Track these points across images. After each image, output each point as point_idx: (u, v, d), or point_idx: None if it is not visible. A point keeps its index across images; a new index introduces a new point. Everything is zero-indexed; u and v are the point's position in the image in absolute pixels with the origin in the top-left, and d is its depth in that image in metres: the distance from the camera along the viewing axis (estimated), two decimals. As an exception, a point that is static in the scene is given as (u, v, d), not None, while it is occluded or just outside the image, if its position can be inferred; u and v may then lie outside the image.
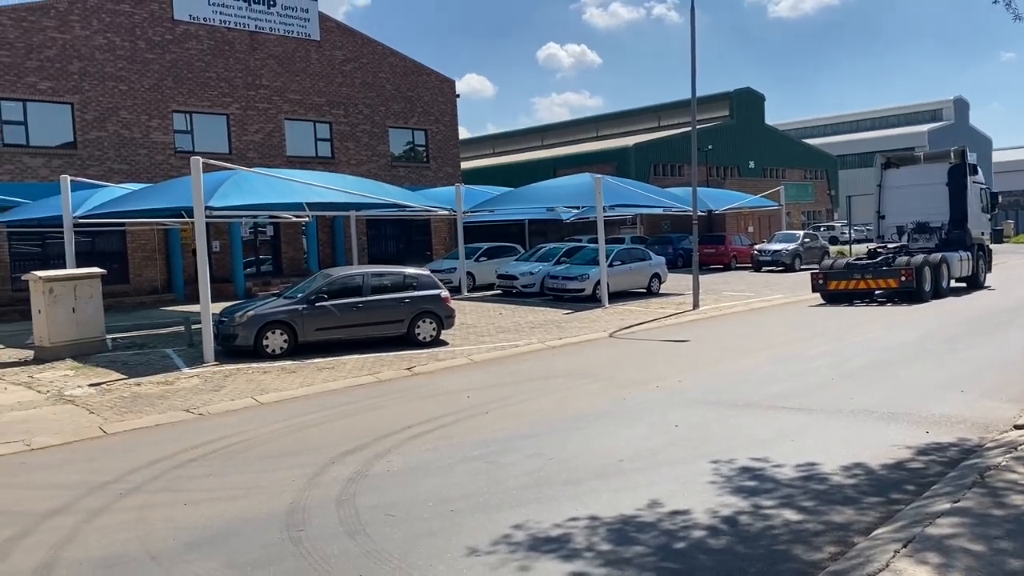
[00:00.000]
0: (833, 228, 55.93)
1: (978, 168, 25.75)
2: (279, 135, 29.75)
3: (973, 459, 7.10)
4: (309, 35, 30.27)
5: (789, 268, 34.12)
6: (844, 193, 63.13)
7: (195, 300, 24.22)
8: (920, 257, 21.81)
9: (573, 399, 10.96)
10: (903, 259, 21.77)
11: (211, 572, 5.52)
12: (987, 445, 7.60)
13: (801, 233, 37.57)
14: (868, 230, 57.63)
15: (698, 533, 5.89)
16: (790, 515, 6.14)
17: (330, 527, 6.27)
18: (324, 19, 30.97)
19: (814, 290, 22.54)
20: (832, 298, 22.00)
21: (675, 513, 6.28)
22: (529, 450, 8.26)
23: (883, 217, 25.43)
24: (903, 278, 20.96)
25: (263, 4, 29.05)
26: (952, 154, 24.99)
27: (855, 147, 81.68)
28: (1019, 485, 6.09)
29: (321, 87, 30.74)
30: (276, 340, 15.15)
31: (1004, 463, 6.66)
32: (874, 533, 5.55)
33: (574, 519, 6.23)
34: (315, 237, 30.28)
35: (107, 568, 5.67)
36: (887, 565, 4.73)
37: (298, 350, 15.22)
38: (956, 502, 5.77)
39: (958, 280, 23.55)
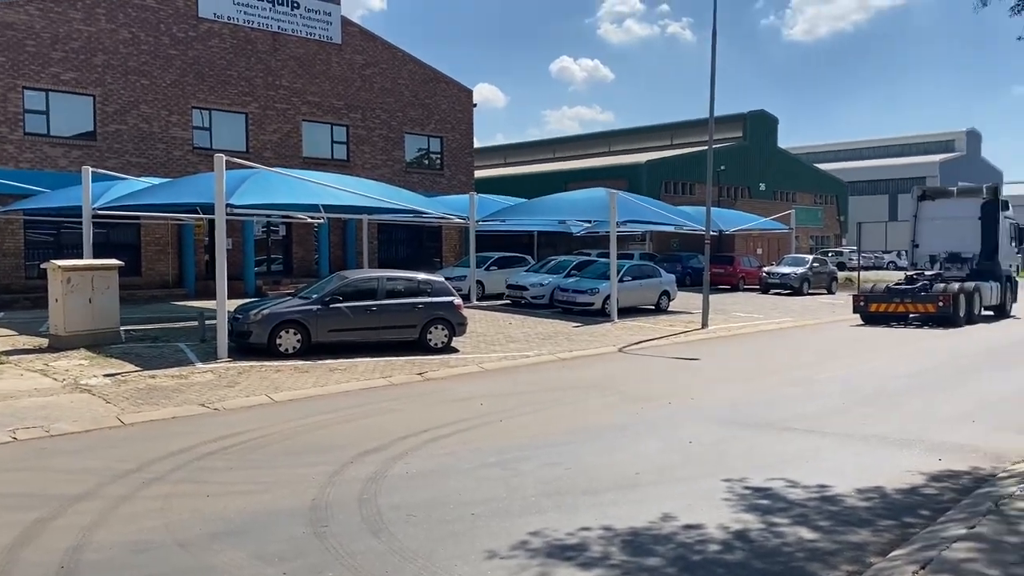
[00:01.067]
0: (841, 254, 55.97)
1: (1009, 204, 27.09)
2: (296, 136, 29.99)
3: (986, 488, 7.19)
4: (331, 38, 30.54)
5: (797, 292, 34.19)
6: (853, 219, 63.26)
7: (205, 296, 24.56)
8: (957, 285, 23.08)
9: (587, 411, 11.06)
10: (941, 286, 23.07)
11: (239, 562, 5.63)
12: (1000, 475, 7.69)
13: (810, 257, 37.68)
14: (876, 257, 57.89)
15: (714, 547, 5.98)
16: (805, 533, 6.23)
17: (353, 524, 6.38)
18: (346, 23, 31.26)
19: (855, 311, 23.72)
20: (871, 319, 23.24)
21: (691, 527, 6.37)
22: (546, 459, 8.36)
23: (917, 246, 26.84)
24: (941, 304, 22.29)
25: (286, 5, 29.34)
26: (985, 190, 26.47)
27: (865, 174, 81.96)
28: (1033, 515, 6.18)
29: (340, 90, 30.99)
30: (289, 339, 15.27)
31: (1018, 492, 6.75)
32: (891, 554, 5.65)
33: (591, 528, 6.33)
34: (327, 239, 30.45)
35: (137, 553, 5.78)
36: (906, 586, 4.82)
37: (310, 350, 15.33)
38: (971, 528, 5.86)
39: (987, 308, 24.69)
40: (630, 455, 8.58)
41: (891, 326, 22.28)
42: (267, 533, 6.18)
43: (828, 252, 55.59)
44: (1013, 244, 27.22)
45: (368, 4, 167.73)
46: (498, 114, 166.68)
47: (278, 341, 15.18)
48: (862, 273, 41.19)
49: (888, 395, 12.18)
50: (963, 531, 5.82)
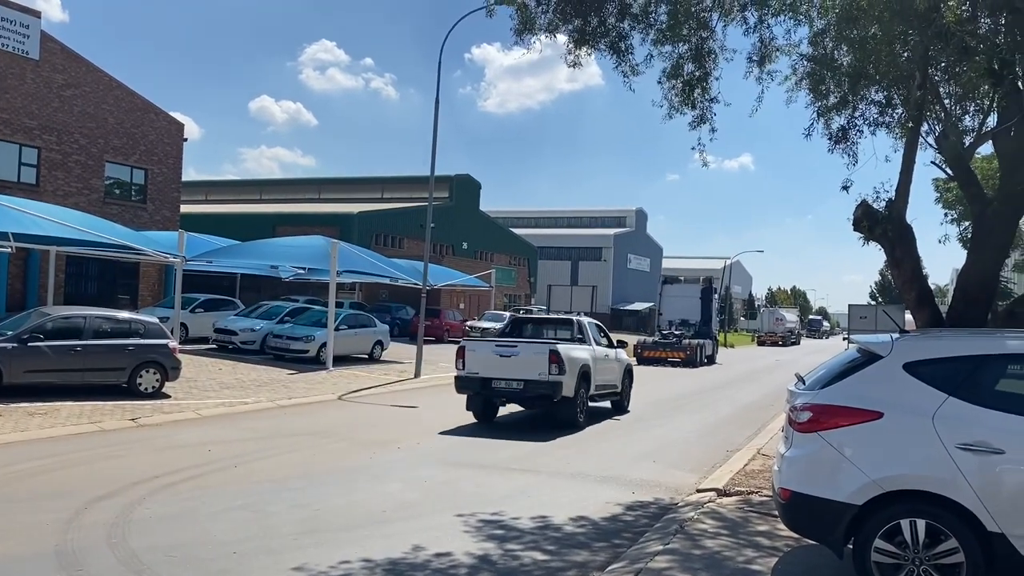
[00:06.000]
0: (531, 312, 60.50)
1: (716, 289, 42.61)
2: (-24, 153, 26.77)
3: (671, 514, 8.74)
4: (27, 52, 27.74)
5: (495, 346, 36.61)
6: (541, 281, 68.83)
7: None
8: (696, 341, 35.53)
9: (321, 456, 11.40)
10: (686, 341, 35.09)
11: (-5, 610, 5.39)
12: (679, 504, 9.34)
13: (508, 314, 40.51)
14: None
15: (464, 571, 6.75)
16: (538, 556, 7.23)
17: (111, 567, 6.28)
18: (47, 39, 28.62)
19: (634, 355, 31.60)
20: (644, 361, 33.39)
21: (441, 555, 7.09)
22: (293, 501, 8.64)
23: (661, 314, 40.96)
24: (687, 352, 34.18)
25: (-24, 10, 26.33)
26: (702, 280, 42.61)
27: (552, 241, 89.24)
28: (708, 533, 7.73)
29: (34, 109, 28.19)
30: (-23, 380, 13.80)
31: (696, 517, 8.35)
32: (608, 568, 6.80)
33: (352, 561, 6.80)
34: (5, 270, 27.23)
35: None
36: (626, 589, 5.94)
37: (1, 392, 13.94)
38: (666, 545, 7.23)
39: (706, 357, 36.62)
40: (374, 495, 9.13)
41: (656, 366, 32.79)
42: (14, 581, 5.91)
43: (519, 310, 59.88)
44: (717, 315, 42.56)
45: (45, 14, 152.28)
46: (191, 147, 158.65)
47: (-39, 381, 13.67)
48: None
49: (583, 440, 13.86)
50: (660, 547, 7.16)
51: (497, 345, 15.01)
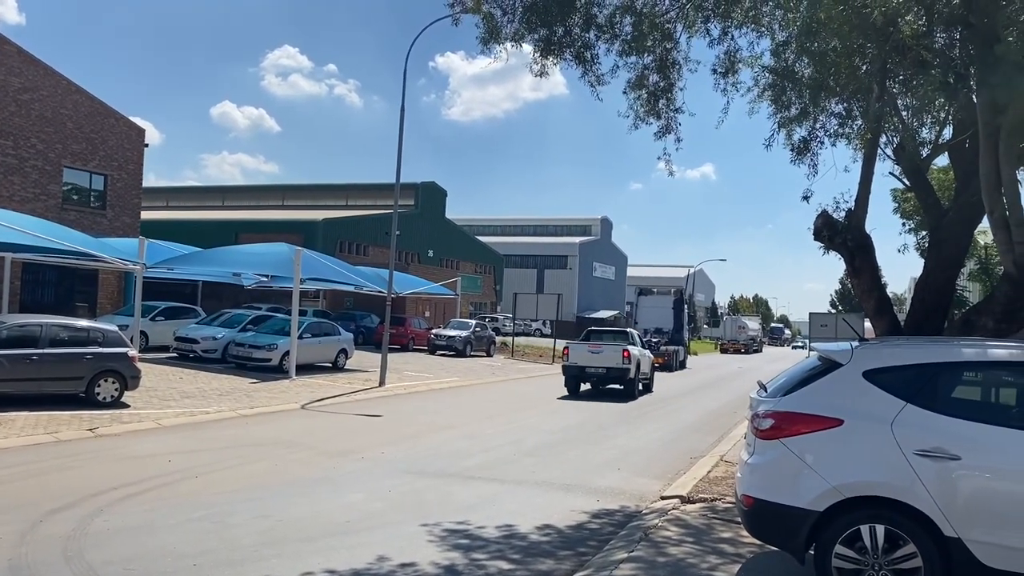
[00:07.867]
0: (496, 319, 60.51)
1: (686, 299, 46.76)
2: (-73, 157, 26.08)
3: (636, 521, 8.78)
4: (-18, 55, 27.23)
5: (461, 354, 36.53)
6: (507, 289, 68.79)
7: None
8: (672, 347, 39.61)
9: (284, 466, 11.26)
10: (663, 348, 38.25)
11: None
12: (644, 511, 9.38)
13: (473, 322, 40.50)
14: (526, 324, 63.51)
15: (429, 582, 6.72)
16: (503, 565, 7.21)
17: (67, 582, 6.14)
18: (2, 41, 27.96)
19: None
20: None
21: (406, 565, 7.04)
22: (254, 512, 8.53)
23: (636, 323, 44.36)
24: (665, 358, 36.99)
25: (-70, 10, 25.72)
26: (673, 292, 47.68)
27: (518, 249, 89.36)
28: (672, 540, 7.77)
29: (-12, 113, 27.62)
30: (-73, 390, 13.46)
31: (660, 524, 8.39)
32: (574, 576, 6.81)
33: (315, 573, 6.72)
34: (-43, 276, 26.56)
35: None
36: (591, 598, 5.94)
37: (-47, 402, 13.61)
38: (631, 552, 7.26)
39: (679, 363, 40.36)
40: (337, 505, 9.04)
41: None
42: (-34, 597, 5.76)
43: (485, 318, 59.82)
44: (688, 323, 46.46)
45: (1, 16, 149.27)
46: (151, 153, 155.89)
47: (-89, 392, 13.32)
48: (518, 338, 45.14)
49: (548, 448, 13.85)
50: (625, 555, 7.18)
51: (589, 346, 22.91)
